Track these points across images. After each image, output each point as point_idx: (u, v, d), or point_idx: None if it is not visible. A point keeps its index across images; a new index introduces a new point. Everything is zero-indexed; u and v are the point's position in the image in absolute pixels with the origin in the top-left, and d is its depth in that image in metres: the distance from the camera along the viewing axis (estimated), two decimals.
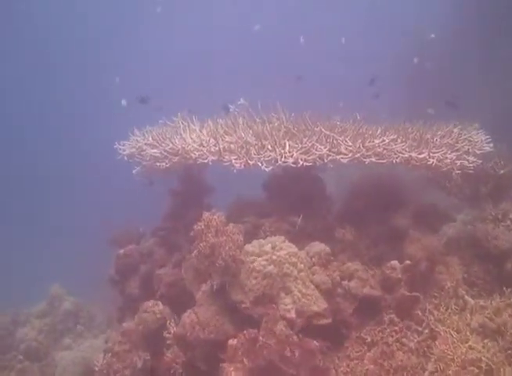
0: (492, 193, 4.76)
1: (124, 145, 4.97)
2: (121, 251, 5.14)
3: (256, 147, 4.13)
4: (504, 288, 3.76)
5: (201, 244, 3.79)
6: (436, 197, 5.12)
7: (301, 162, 3.98)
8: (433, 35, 9.51)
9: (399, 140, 4.25)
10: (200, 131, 4.69)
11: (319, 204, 4.72)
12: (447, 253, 4.20)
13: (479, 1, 9.18)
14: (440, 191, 5.09)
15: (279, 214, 4.59)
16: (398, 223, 4.48)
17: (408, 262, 3.97)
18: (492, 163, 4.57)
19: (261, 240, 4.00)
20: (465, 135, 4.45)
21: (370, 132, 4.26)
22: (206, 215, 3.91)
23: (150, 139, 4.69)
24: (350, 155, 4.00)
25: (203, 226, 3.85)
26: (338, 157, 4.00)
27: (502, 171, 4.62)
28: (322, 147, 4.07)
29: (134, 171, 4.81)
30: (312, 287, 3.86)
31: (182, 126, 4.76)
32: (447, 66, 9.44)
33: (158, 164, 4.44)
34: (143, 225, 5.76)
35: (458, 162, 4.05)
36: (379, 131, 4.33)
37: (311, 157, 4.04)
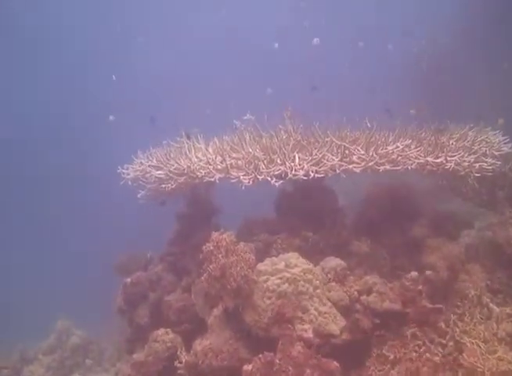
0: (510, 196, 4.67)
1: (127, 169, 4.94)
2: (128, 280, 5.05)
3: (265, 162, 4.09)
4: None
5: (211, 266, 3.70)
6: (452, 203, 5.05)
7: (312, 174, 3.93)
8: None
9: (413, 145, 4.20)
10: (206, 150, 4.66)
11: (332, 217, 4.64)
12: (468, 261, 4.09)
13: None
14: (456, 197, 5.01)
15: (291, 230, 4.52)
16: (415, 232, 4.39)
17: (428, 272, 3.86)
18: (510, 164, 4.48)
19: (274, 257, 3.91)
20: (481, 136, 4.40)
21: (383, 139, 4.22)
22: (215, 235, 3.84)
23: (154, 160, 4.66)
24: (363, 164, 3.95)
25: (212, 247, 3.77)
26: (351, 166, 3.94)
27: None
28: (334, 157, 4.03)
29: (139, 195, 4.76)
30: (329, 304, 3.76)
31: (186, 145, 4.73)
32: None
33: (164, 185, 4.39)
34: (151, 249, 5.70)
35: (476, 165, 3.98)
36: (391, 138, 4.28)
37: (322, 168, 3.99)
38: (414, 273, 3.89)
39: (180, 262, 5.02)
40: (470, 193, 4.79)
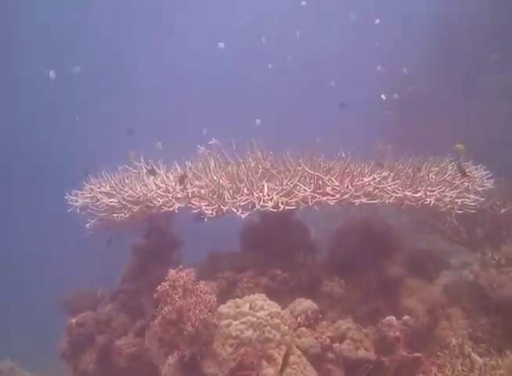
0: (491, 234, 4.50)
1: (76, 195, 4.54)
2: (74, 320, 4.57)
3: (230, 191, 3.79)
4: None
5: (166, 309, 3.31)
6: (429, 240, 4.85)
7: (282, 206, 3.65)
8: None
9: (390, 178, 3.99)
10: (166, 176, 4.33)
11: (303, 253, 4.34)
12: (448, 304, 3.84)
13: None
14: (433, 233, 4.82)
15: (258, 267, 4.19)
16: (392, 272, 4.13)
17: (406, 317, 3.59)
18: (491, 202, 4.30)
19: (238, 299, 3.55)
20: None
21: (359, 170, 3.97)
22: (171, 272, 3.46)
23: (108, 187, 4.28)
24: (337, 196, 3.69)
25: (167, 287, 3.39)
26: (324, 198, 3.68)
27: (502, 211, 4.38)
28: (306, 188, 3.76)
29: (87, 225, 4.36)
30: (299, 352, 3.42)
31: (144, 170, 4.39)
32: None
33: (115, 215, 4.01)
34: (103, 286, 5.24)
35: (458, 201, 3.77)
36: (367, 169, 4.05)
37: (293, 200, 3.71)
38: (391, 318, 3.61)
39: (134, 301, 4.58)
40: (448, 231, 4.59)
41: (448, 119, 9.09)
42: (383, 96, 9.07)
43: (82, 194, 4.50)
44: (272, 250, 4.35)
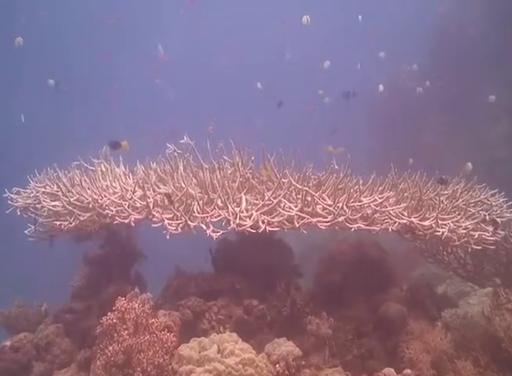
0: (501, 270, 3.92)
1: (18, 193, 3.82)
2: (8, 343, 3.86)
3: (200, 203, 3.13)
4: None
5: (111, 348, 2.66)
6: (430, 270, 4.27)
7: (263, 226, 3.00)
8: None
9: (391, 200, 3.39)
10: (126, 179, 3.65)
11: (284, 279, 3.71)
12: (457, 353, 3.24)
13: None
14: (434, 264, 4.24)
15: (231, 294, 3.56)
16: (389, 310, 3.53)
17: (408, 371, 2.98)
18: (506, 233, 3.70)
19: (204, 338, 2.90)
20: (477, 196, 3.59)
21: (356, 187, 3.34)
22: (121, 302, 2.80)
23: (56, 187, 3.58)
24: (330, 218, 3.06)
25: (115, 319, 2.74)
26: (314, 220, 3.04)
27: None
28: (292, 205, 3.13)
29: (27, 231, 3.65)
30: None
31: (101, 170, 3.70)
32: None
33: (58, 222, 3.32)
34: (49, 301, 4.50)
35: (475, 234, 3.16)
36: (365, 186, 3.42)
37: (276, 219, 3.07)
38: (389, 371, 3.00)
39: (81, 324, 3.89)
40: (453, 263, 4.00)
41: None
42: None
43: (25, 193, 3.80)
44: (249, 273, 3.72)
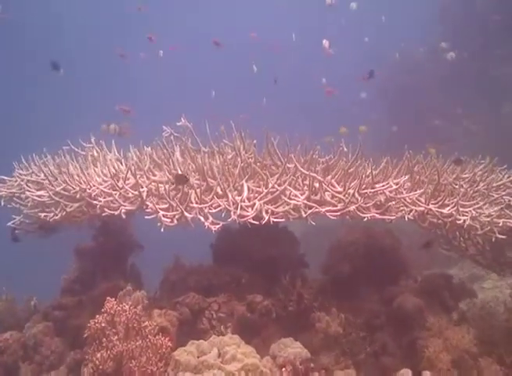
0: None
1: (3, 181, 3.54)
2: None
3: (198, 191, 2.85)
4: None
5: (99, 355, 2.40)
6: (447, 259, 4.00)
7: (267, 217, 2.73)
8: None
9: (406, 184, 3.10)
10: (118, 166, 3.36)
11: (290, 273, 3.44)
12: (478, 352, 2.98)
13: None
14: (452, 251, 3.97)
15: (233, 289, 3.31)
16: (404, 303, 3.27)
17: (427, 373, 2.74)
18: None
19: (202, 341, 2.65)
20: (499, 180, 3.29)
21: (367, 172, 3.04)
22: (110, 303, 2.54)
23: (42, 175, 3.30)
24: (340, 207, 2.78)
25: (104, 323, 2.48)
26: (323, 209, 2.76)
27: None
28: (299, 193, 2.85)
29: (10, 223, 3.38)
30: None
31: (91, 156, 3.41)
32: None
33: (42, 214, 3.04)
34: (40, 296, 4.25)
35: (499, 221, 2.87)
36: (377, 170, 3.13)
37: (281, 209, 2.80)
38: (406, 372, 2.76)
39: (73, 321, 3.63)
40: (471, 249, 3.73)
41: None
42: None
43: (10, 182, 3.52)
44: (252, 266, 3.47)
